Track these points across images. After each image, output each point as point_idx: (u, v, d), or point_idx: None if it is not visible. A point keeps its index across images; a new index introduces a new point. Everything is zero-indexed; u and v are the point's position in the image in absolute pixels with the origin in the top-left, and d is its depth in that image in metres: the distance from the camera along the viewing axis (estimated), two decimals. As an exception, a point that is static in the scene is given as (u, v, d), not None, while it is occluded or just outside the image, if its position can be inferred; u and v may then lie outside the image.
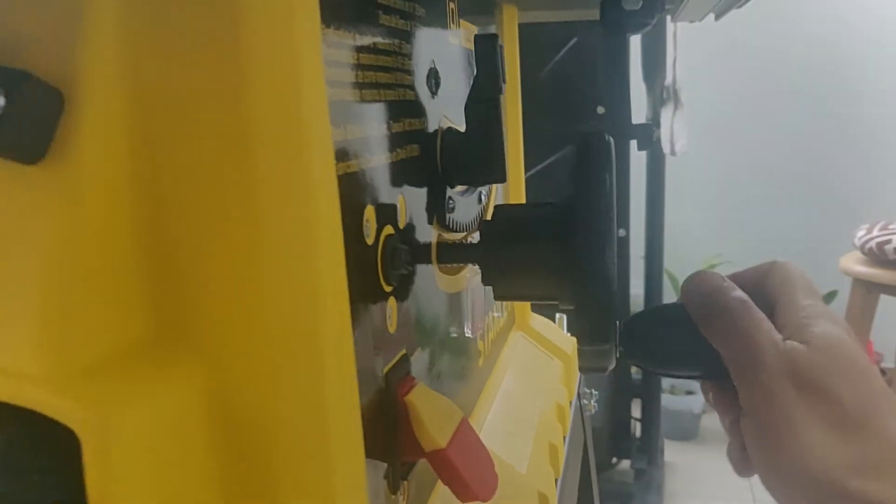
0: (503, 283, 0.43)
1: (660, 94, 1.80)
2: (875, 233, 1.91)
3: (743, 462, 0.41)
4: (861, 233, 1.96)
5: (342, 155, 0.31)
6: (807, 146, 2.62)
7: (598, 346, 0.39)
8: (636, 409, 2.15)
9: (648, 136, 0.63)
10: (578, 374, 0.79)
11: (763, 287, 0.41)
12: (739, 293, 0.40)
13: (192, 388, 0.26)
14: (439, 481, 0.44)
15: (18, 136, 0.23)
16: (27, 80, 0.23)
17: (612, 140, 0.40)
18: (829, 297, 2.59)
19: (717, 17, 0.92)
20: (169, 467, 0.24)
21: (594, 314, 0.38)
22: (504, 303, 0.69)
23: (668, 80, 1.81)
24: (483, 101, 0.43)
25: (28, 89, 0.23)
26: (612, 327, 0.39)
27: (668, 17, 1.86)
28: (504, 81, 0.43)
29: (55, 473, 0.23)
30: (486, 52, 0.42)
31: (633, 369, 2.10)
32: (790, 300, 0.40)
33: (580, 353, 0.40)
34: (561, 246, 0.39)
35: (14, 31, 0.25)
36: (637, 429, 2.17)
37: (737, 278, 0.42)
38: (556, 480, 0.57)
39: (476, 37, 0.42)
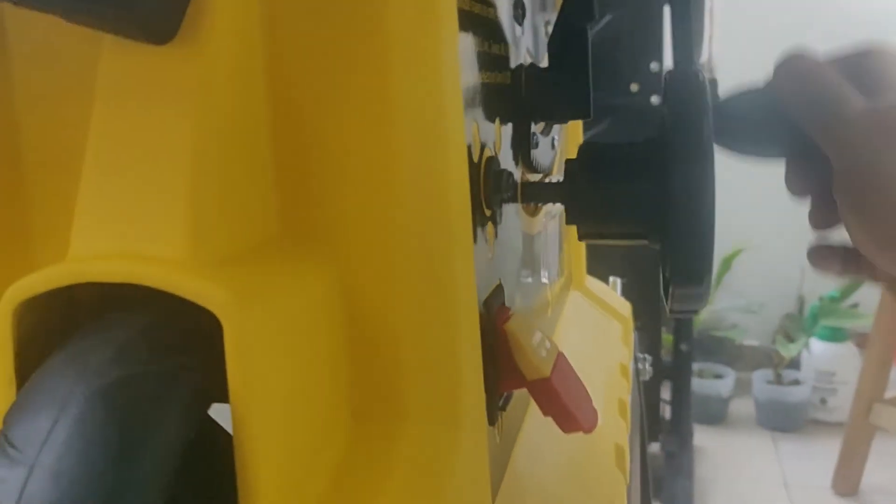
0: (590, 220, 0.42)
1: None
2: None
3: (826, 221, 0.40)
4: None
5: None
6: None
7: (695, 287, 0.37)
8: (665, 392, 2.13)
9: (714, 93, 0.62)
10: (635, 337, 0.78)
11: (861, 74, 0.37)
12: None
13: (322, 283, 0.25)
14: (526, 419, 0.43)
15: (148, 12, 0.22)
16: (163, -48, 0.22)
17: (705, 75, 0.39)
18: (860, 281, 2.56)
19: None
20: (301, 355, 0.24)
21: (694, 254, 0.36)
22: (562, 261, 0.68)
23: (704, 58, 1.78)
24: (572, 30, 0.42)
25: (163, -39, 0.22)
26: (710, 268, 0.37)
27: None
28: (596, 10, 0.42)
29: (191, 355, 0.22)
30: (581, -25, 0.41)
31: (664, 351, 2.09)
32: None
33: (673, 295, 0.39)
34: (657, 182, 0.38)
35: None
36: (667, 412, 2.15)
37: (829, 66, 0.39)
38: (627, 434, 0.56)
39: (569, -39, 0.41)
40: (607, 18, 1.79)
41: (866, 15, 2.58)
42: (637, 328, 1.27)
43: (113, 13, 0.22)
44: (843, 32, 2.60)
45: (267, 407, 0.22)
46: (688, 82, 0.38)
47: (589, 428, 0.36)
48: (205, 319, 0.21)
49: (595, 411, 0.37)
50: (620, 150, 0.42)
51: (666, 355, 2.12)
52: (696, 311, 0.40)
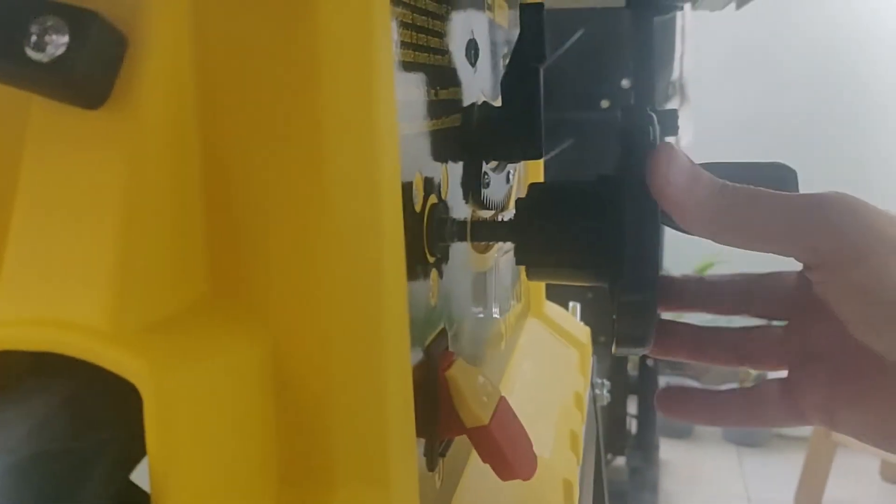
0: (538, 260, 0.42)
1: (665, 89, 1.80)
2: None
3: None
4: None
5: (399, 116, 0.30)
6: (811, 146, 2.63)
7: (637, 294, 0.37)
8: (632, 406, 2.14)
9: (674, 122, 0.63)
10: (592, 363, 0.78)
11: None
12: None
13: (250, 348, 0.25)
14: (469, 461, 0.43)
15: (81, 78, 0.22)
16: (94, 20, 0.22)
17: (655, 116, 0.39)
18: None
19: (739, 6, 0.91)
20: (226, 427, 0.24)
21: (637, 296, 0.37)
22: (518, 289, 0.68)
23: (675, 75, 1.80)
24: (524, 71, 0.42)
25: (94, 29, 0.22)
26: (654, 307, 0.37)
27: (686, 6, 1.86)
28: (547, 52, 0.42)
29: (116, 427, 0.22)
30: (531, 20, 0.41)
31: (630, 365, 2.10)
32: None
33: (618, 334, 0.39)
34: (605, 222, 0.38)
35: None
36: (632, 425, 2.17)
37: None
38: (577, 468, 0.57)
39: (522, 5, 0.41)
40: (579, 33, 1.80)
41: (835, 34, 2.62)
42: (602, 343, 1.28)
43: (45, 78, 0.22)
44: (812, 51, 2.64)
45: (187, 476, 0.22)
46: (638, 125, 0.38)
47: (526, 476, 0.36)
48: (130, 384, 0.21)
49: (534, 458, 0.38)
50: (570, 190, 0.42)
51: (632, 369, 2.14)
52: (643, 341, 0.40)
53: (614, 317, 0.38)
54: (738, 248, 0.34)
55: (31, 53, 0.22)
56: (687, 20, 1.97)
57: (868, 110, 2.65)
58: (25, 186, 0.24)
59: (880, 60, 2.61)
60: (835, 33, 2.62)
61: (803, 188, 0.37)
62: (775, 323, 0.40)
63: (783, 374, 0.39)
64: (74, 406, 0.21)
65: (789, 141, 2.63)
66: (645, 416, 2.14)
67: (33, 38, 0.22)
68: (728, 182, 0.34)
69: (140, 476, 0.23)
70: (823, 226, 0.32)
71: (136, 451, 0.22)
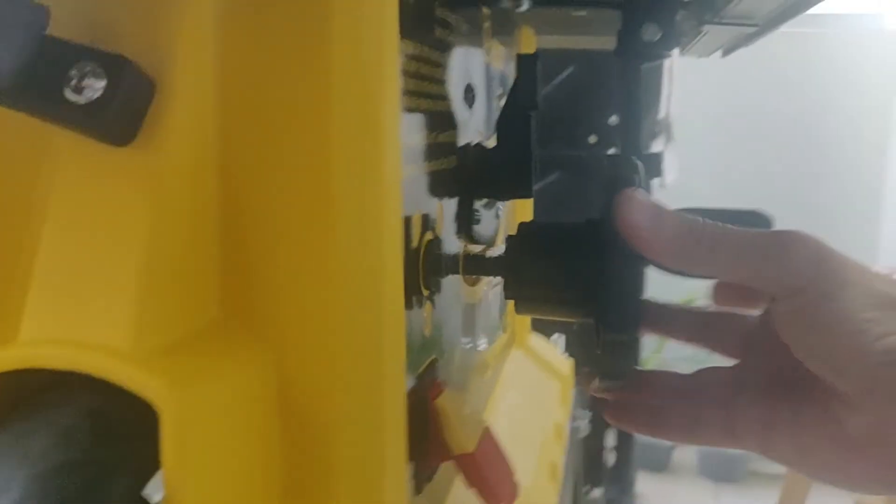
0: (527, 296, 0.44)
1: (651, 127, 1.83)
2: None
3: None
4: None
5: (403, 159, 0.32)
6: (792, 186, 2.68)
7: (619, 334, 0.38)
8: (609, 438, 2.15)
9: (658, 165, 0.65)
10: (573, 394, 0.80)
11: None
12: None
13: (258, 372, 0.27)
14: (453, 487, 0.44)
15: (114, 119, 0.24)
16: (128, 67, 0.24)
17: (641, 165, 0.41)
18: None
19: (725, 54, 0.94)
20: (235, 443, 0.25)
21: (620, 350, 0.38)
22: (504, 320, 0.70)
23: (662, 114, 1.83)
24: (517, 116, 0.44)
25: (128, 75, 0.24)
26: (637, 318, 0.39)
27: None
28: (538, 100, 0.45)
29: (134, 441, 0.23)
30: (527, 69, 0.43)
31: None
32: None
33: (602, 355, 0.40)
34: (592, 261, 0.40)
35: (115, 18, 0.26)
36: (610, 458, 2.18)
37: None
38: (556, 498, 0.58)
39: (519, 55, 0.43)
40: (569, 70, 1.83)
41: (826, 72, 2.68)
42: (585, 374, 1.30)
43: (82, 118, 0.24)
44: (798, 91, 2.69)
45: (198, 489, 0.23)
46: (624, 171, 0.40)
47: (508, 503, 0.38)
48: (146, 402, 0.23)
49: (516, 486, 0.39)
50: (559, 231, 0.44)
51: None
52: (623, 375, 0.42)
53: (598, 352, 0.40)
54: (709, 279, 0.36)
55: (70, 95, 0.24)
56: (675, 61, 2.01)
57: (846, 156, 2.71)
58: (55, 213, 0.25)
59: (862, 109, 2.68)
60: (819, 80, 2.68)
61: (784, 225, 0.39)
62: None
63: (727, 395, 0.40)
64: (97, 418, 0.23)
65: (771, 179, 2.68)
66: (623, 449, 2.14)
67: (73, 81, 0.24)
68: (698, 218, 0.37)
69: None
70: (781, 259, 0.34)
71: (151, 465, 0.23)
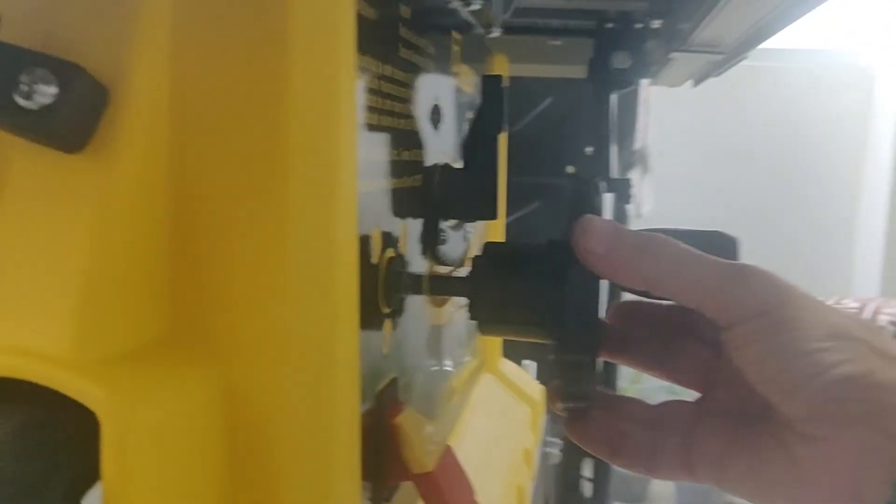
0: (490, 317, 0.44)
1: (628, 158, 1.85)
2: (843, 304, 1.96)
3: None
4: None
5: (360, 174, 0.32)
6: (767, 216, 2.71)
7: (577, 354, 0.38)
8: (587, 469, 2.14)
9: (626, 190, 0.66)
10: (544, 421, 0.80)
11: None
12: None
13: (206, 386, 0.26)
14: (416, 507, 0.44)
15: (65, 126, 0.24)
16: (80, 74, 0.24)
17: (602, 184, 0.42)
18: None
19: (696, 84, 0.96)
20: (180, 459, 0.25)
21: (575, 349, 0.38)
22: (474, 345, 0.70)
23: (637, 145, 1.85)
24: (484, 137, 0.45)
25: (80, 82, 0.24)
26: (595, 340, 0.39)
27: (643, 83, 1.91)
28: (506, 121, 0.45)
29: (70, 453, 0.23)
30: (492, 90, 0.44)
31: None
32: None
33: (559, 375, 0.40)
34: (552, 283, 0.40)
35: (68, 26, 0.25)
36: (586, 488, 2.16)
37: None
38: (522, 522, 0.58)
39: (484, 76, 0.44)
40: (548, 101, 1.85)
41: (799, 107, 2.72)
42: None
43: (32, 124, 0.24)
44: (774, 125, 2.72)
45: (140, 500, 0.23)
46: (582, 195, 0.41)
47: (467, 524, 0.37)
48: (88, 411, 0.23)
49: (476, 507, 0.39)
50: (525, 249, 0.45)
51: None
52: (583, 399, 0.42)
53: (557, 373, 0.40)
54: (668, 297, 0.37)
55: (21, 101, 0.23)
56: (651, 92, 2.04)
57: (820, 188, 2.74)
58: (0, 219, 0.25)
59: (835, 142, 2.72)
60: (794, 114, 2.73)
61: (759, 258, 0.40)
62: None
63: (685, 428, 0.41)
64: (28, 432, 0.22)
65: (747, 211, 2.71)
66: (600, 480, 2.13)
67: (23, 87, 0.24)
68: (660, 235, 0.37)
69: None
70: (744, 283, 0.35)
71: (90, 475, 0.23)
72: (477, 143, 0.46)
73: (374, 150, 0.35)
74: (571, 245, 0.39)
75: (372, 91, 0.34)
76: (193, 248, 0.27)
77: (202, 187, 0.27)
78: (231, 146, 0.27)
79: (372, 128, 0.34)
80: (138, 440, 0.23)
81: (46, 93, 0.24)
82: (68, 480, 0.23)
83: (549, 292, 0.41)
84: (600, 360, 0.42)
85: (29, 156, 0.26)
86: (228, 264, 0.27)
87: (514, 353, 0.82)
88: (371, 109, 0.34)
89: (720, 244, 0.44)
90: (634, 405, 0.43)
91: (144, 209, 0.26)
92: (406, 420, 0.37)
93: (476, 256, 0.44)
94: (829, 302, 0.37)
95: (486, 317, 0.44)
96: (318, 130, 0.27)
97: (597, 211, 0.39)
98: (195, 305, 0.27)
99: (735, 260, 0.41)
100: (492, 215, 0.46)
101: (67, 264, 0.24)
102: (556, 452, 0.83)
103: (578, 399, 0.40)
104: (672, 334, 0.42)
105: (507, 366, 0.79)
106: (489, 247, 0.45)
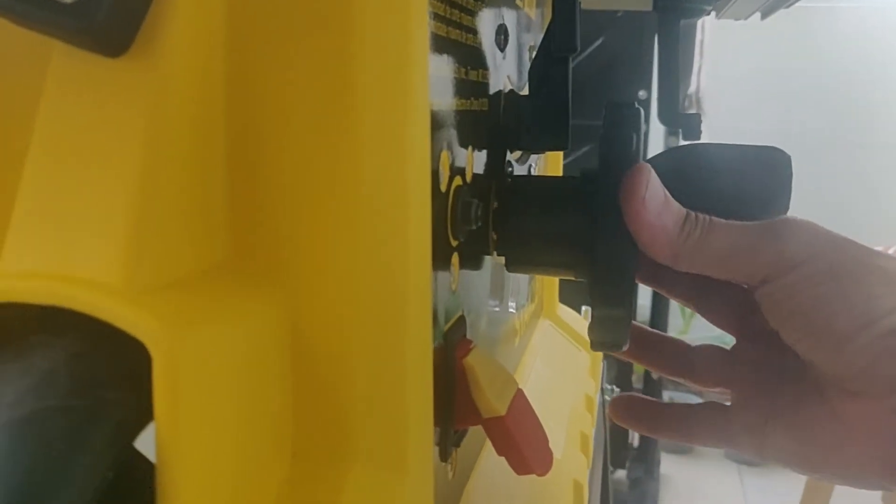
0: (517, 251, 0.41)
1: (682, 102, 1.79)
2: (891, 252, 1.89)
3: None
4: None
5: (430, 90, 0.29)
6: (824, 167, 2.62)
7: (611, 309, 0.37)
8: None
9: (696, 126, 0.62)
10: (603, 367, 0.77)
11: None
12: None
13: (269, 315, 0.24)
14: (482, 454, 0.42)
15: (103, 22, 0.21)
16: (118, -40, 0.21)
17: (641, 109, 0.38)
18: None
19: (764, 17, 0.90)
20: (239, 391, 0.22)
21: (612, 276, 0.36)
22: (532, 288, 0.67)
23: (692, 88, 1.79)
24: (555, 58, 0.41)
25: (118, -31, 0.21)
26: (629, 294, 0.36)
27: (700, 23, 1.84)
28: (578, 41, 0.41)
29: (122, 389, 0.20)
30: (563, 6, 0.40)
31: (634, 377, 2.08)
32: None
33: (593, 325, 0.38)
34: (583, 214, 0.38)
35: None
36: (635, 438, 2.15)
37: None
38: (587, 470, 0.55)
39: (556, -9, 0.40)
40: (599, 41, 1.79)
41: (851, 50, 2.61)
42: (608, 356, 1.27)
43: (67, 21, 0.21)
44: (828, 67, 2.63)
45: (195, 445, 0.21)
46: (619, 113, 0.37)
47: (542, 472, 0.35)
48: (141, 345, 0.20)
49: (550, 454, 0.36)
50: (554, 182, 0.42)
51: (637, 382, 2.12)
52: (617, 346, 0.40)
53: (589, 320, 0.38)
54: (693, 272, 0.35)
55: (55, -7, 0.21)
56: (706, 34, 1.96)
57: (881, 128, 2.64)
58: (40, 135, 0.22)
59: (890, 84, 2.60)
60: (850, 51, 2.61)
61: (812, 203, 0.37)
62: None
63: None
64: (78, 363, 0.20)
65: (808, 155, 2.62)
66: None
67: (57, -23, 0.21)
68: (691, 212, 0.35)
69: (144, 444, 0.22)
70: (779, 237, 0.33)
71: (143, 415, 0.21)
72: (546, 67, 0.42)
73: (441, 64, 0.31)
74: (606, 181, 0.35)
75: (441, -2, 0.30)
76: (255, 166, 0.24)
77: (263, 95, 0.24)
78: (294, 45, 0.24)
79: (439, 39, 0.31)
80: (193, 375, 0.21)
81: (83, -17, 0.21)
82: (120, 417, 0.20)
83: (579, 236, 0.38)
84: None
85: (68, 64, 0.23)
86: (294, 184, 0.24)
87: (571, 299, 0.79)
88: (438, 17, 0.31)
89: (771, 161, 0.41)
90: (672, 344, 0.43)
91: (198, 118, 0.23)
92: (476, 360, 0.34)
93: (505, 190, 0.41)
94: (879, 248, 0.34)
95: (513, 255, 0.41)
96: (389, 35, 0.24)
97: (635, 147, 0.36)
98: (257, 229, 0.25)
99: (787, 179, 0.38)
100: (563, 145, 0.43)
101: (115, 182, 0.22)
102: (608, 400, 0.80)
103: (613, 347, 0.39)
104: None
105: (565, 312, 0.76)
106: (517, 180, 0.42)
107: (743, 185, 0.39)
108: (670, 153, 0.42)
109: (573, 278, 0.41)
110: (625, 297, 0.36)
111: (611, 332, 0.38)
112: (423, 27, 0.26)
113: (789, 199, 0.39)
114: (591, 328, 0.38)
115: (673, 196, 0.36)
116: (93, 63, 0.22)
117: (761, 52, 2.61)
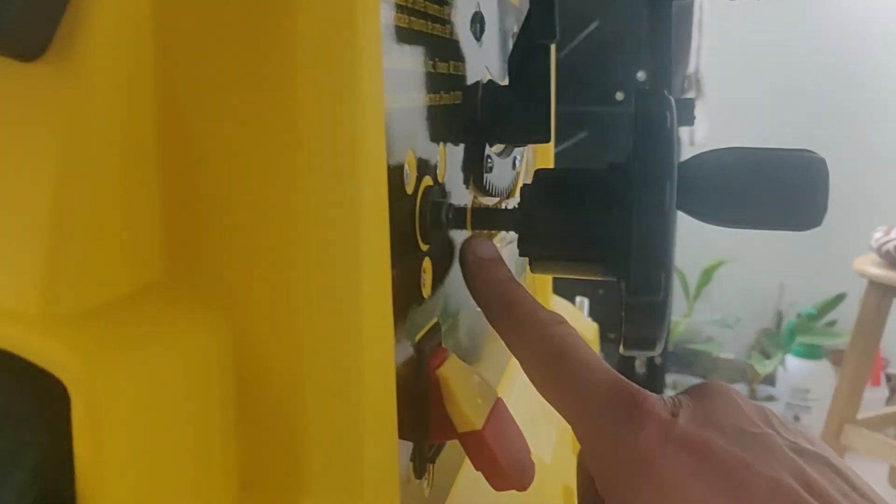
0: (543, 253, 0.39)
1: (681, 82, 1.76)
2: (893, 235, 1.87)
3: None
4: (878, 234, 1.91)
5: (388, 86, 0.27)
6: (825, 144, 2.59)
7: (651, 296, 0.34)
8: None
9: (690, 111, 0.60)
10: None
11: None
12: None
13: (207, 337, 0.22)
14: (462, 468, 0.40)
15: (13, 25, 0.19)
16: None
17: (673, 100, 0.36)
18: (838, 299, 2.56)
19: (760, -5, 0.88)
20: (175, 427, 0.21)
21: (645, 298, 0.33)
22: (522, 282, 0.65)
23: (691, 69, 1.76)
24: (534, 48, 0.39)
25: (27, -34, 0.19)
26: (665, 310, 0.34)
27: (699, 2, 1.81)
28: (558, 29, 0.39)
29: (40, 429, 0.19)
30: (543, -12, 0.38)
31: (638, 363, 2.07)
32: None
33: (627, 320, 0.36)
34: (616, 213, 0.35)
35: None
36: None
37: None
38: (579, 472, 0.53)
39: (533, -26, 0.38)
40: (595, 25, 1.76)
41: (852, 30, 2.57)
42: (611, 339, 1.25)
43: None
44: (829, 46, 2.59)
45: (121, 485, 0.19)
46: (654, 107, 0.35)
47: (521, 487, 0.33)
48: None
49: (532, 467, 0.35)
50: (579, 178, 0.39)
51: (640, 367, 2.10)
52: (652, 344, 0.37)
53: (623, 315, 0.35)
54: None
55: (-46, -7, 0.19)
56: (704, 13, 1.93)
57: (881, 111, 2.60)
58: (-49, 149, 0.21)
59: (891, 60, 2.57)
60: (849, 29, 2.57)
61: None
62: None
63: None
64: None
65: (798, 137, 2.59)
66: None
67: (-44, -25, 0.19)
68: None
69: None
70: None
71: (65, 455, 0.19)
72: (526, 56, 0.40)
73: (403, 58, 0.29)
74: (636, 168, 0.33)
75: (400, -15, 0.28)
76: (188, 174, 0.22)
77: (197, 98, 0.22)
78: (230, 43, 0.22)
79: (400, 30, 0.29)
80: (119, 409, 0.19)
81: (-13, -18, 0.19)
82: (38, 459, 0.19)
83: (611, 222, 0.36)
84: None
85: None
86: (232, 192, 0.22)
87: (565, 290, 0.78)
88: (399, 8, 0.29)
89: (807, 167, 0.38)
90: None
91: (126, 129, 0.21)
92: (450, 370, 0.32)
93: (525, 185, 0.39)
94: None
95: (538, 253, 0.39)
96: (331, 22, 0.22)
97: (669, 132, 0.34)
98: (194, 245, 0.23)
99: (822, 191, 0.35)
100: (545, 137, 0.41)
101: (28, 201, 0.20)
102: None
103: (648, 345, 0.35)
104: None
105: (559, 304, 0.74)
106: (540, 173, 0.40)
107: (779, 188, 0.37)
108: (713, 154, 0.40)
109: (599, 276, 0.38)
110: (663, 281, 0.33)
111: (648, 326, 0.34)
112: (373, 16, 0.24)
113: (826, 199, 0.36)
114: (625, 324, 0.35)
115: (721, 196, 0.34)
116: (4, 68, 0.20)
117: (764, 29, 2.57)
